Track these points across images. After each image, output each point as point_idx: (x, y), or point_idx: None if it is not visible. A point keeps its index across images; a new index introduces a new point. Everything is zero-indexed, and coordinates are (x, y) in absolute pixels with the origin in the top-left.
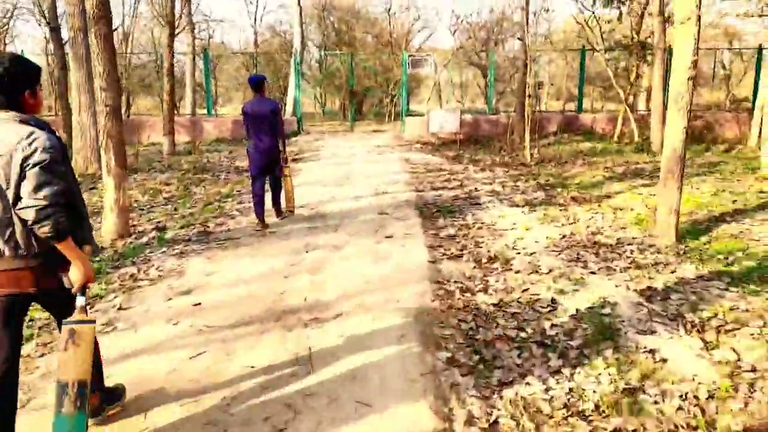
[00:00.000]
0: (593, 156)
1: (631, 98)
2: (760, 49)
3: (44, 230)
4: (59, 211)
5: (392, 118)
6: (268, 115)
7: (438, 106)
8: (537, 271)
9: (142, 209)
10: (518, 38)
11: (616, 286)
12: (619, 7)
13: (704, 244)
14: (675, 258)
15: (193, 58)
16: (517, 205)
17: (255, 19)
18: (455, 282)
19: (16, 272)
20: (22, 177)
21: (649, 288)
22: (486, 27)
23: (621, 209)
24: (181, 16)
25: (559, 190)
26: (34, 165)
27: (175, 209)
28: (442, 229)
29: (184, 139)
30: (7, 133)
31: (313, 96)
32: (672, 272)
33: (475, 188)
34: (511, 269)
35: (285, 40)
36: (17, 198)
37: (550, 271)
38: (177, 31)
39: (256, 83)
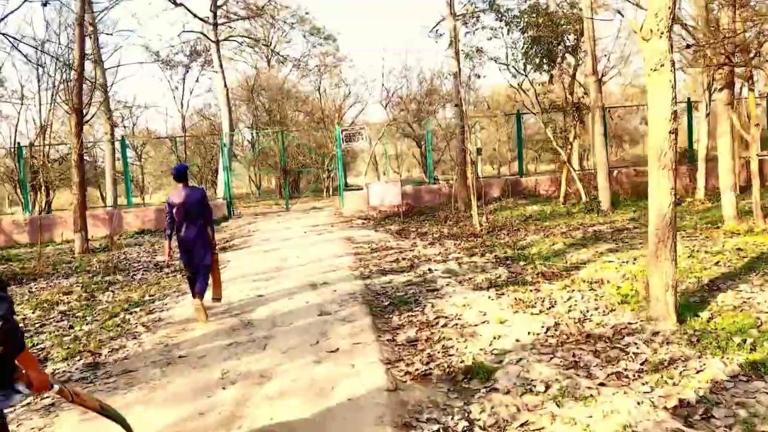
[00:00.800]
0: (544, 220)
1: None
2: (689, 102)
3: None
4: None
5: (330, 193)
6: (198, 203)
7: (375, 178)
8: (531, 390)
9: (29, 330)
10: (455, 105)
11: (639, 404)
12: (549, 71)
13: (708, 321)
14: (690, 349)
15: (113, 147)
16: (481, 288)
17: (182, 104)
18: (428, 421)
19: None
20: None
21: (681, 403)
22: (416, 99)
23: (597, 282)
24: (89, 103)
25: (522, 264)
26: None
27: (71, 327)
28: (399, 330)
29: (103, 233)
30: None
31: (248, 177)
32: (698, 372)
33: (429, 269)
34: (496, 389)
35: (214, 122)
36: None
37: (548, 387)
38: (87, 118)
39: (180, 174)
